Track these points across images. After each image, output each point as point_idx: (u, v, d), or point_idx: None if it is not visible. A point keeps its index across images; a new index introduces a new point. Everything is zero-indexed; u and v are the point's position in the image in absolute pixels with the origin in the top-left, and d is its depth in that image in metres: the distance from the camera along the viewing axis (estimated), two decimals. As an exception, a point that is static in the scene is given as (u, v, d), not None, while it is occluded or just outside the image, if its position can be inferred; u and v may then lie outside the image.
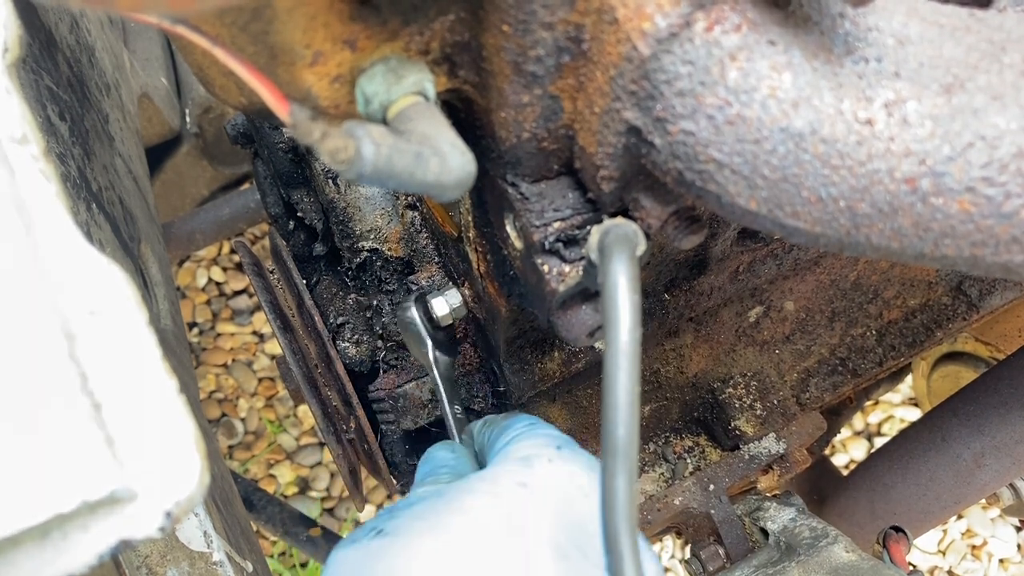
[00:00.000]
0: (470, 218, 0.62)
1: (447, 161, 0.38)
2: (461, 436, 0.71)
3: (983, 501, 1.15)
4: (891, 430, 2.12)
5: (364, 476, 0.91)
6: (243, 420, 2.08)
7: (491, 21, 0.42)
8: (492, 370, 0.79)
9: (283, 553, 1.94)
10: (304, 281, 0.82)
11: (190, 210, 1.49)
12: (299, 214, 0.89)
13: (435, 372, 0.72)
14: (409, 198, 0.81)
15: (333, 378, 0.81)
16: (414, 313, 0.72)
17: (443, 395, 0.73)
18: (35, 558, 0.33)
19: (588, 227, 0.49)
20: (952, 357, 1.33)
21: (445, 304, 0.72)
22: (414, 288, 0.79)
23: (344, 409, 0.83)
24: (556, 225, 0.49)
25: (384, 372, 0.82)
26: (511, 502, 0.50)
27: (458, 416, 0.73)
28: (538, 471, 0.53)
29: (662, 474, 0.88)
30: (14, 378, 0.32)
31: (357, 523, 2.01)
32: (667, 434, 0.89)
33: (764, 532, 0.83)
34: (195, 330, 2.16)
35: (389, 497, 2.00)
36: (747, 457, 0.84)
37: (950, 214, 0.38)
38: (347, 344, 0.82)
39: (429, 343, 0.72)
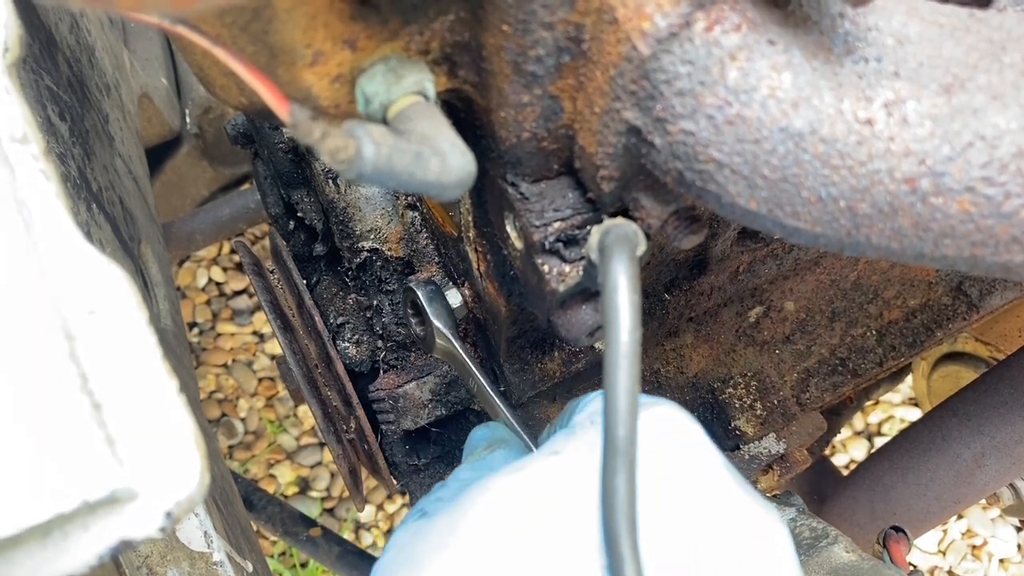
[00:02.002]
0: (470, 218, 0.62)
1: (447, 161, 0.38)
2: (508, 412, 0.67)
3: (983, 501, 1.16)
4: (891, 430, 2.12)
5: (364, 476, 0.91)
6: (243, 420, 2.08)
7: (491, 21, 0.42)
8: (492, 370, 0.79)
9: (283, 553, 1.94)
10: (304, 281, 0.82)
11: (190, 210, 1.49)
12: (299, 214, 0.89)
13: (463, 354, 0.69)
14: (409, 198, 0.81)
15: (333, 378, 0.81)
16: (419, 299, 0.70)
17: (478, 374, 0.69)
18: (36, 558, 0.33)
19: (588, 227, 0.49)
20: (952, 357, 1.33)
21: (445, 304, 0.72)
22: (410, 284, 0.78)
23: (344, 409, 0.83)
24: (556, 225, 0.49)
25: (384, 372, 0.82)
26: (538, 472, 0.47)
27: (500, 391, 0.69)
28: (578, 435, 0.49)
29: (662, 474, 0.87)
30: (14, 378, 0.32)
31: (357, 523, 2.01)
32: (667, 434, 0.89)
33: (764, 532, 0.83)
34: (195, 330, 2.16)
35: (389, 497, 2.00)
36: (747, 457, 0.84)
37: (950, 214, 0.38)
38: (347, 344, 0.82)
39: (445, 322, 0.70)
